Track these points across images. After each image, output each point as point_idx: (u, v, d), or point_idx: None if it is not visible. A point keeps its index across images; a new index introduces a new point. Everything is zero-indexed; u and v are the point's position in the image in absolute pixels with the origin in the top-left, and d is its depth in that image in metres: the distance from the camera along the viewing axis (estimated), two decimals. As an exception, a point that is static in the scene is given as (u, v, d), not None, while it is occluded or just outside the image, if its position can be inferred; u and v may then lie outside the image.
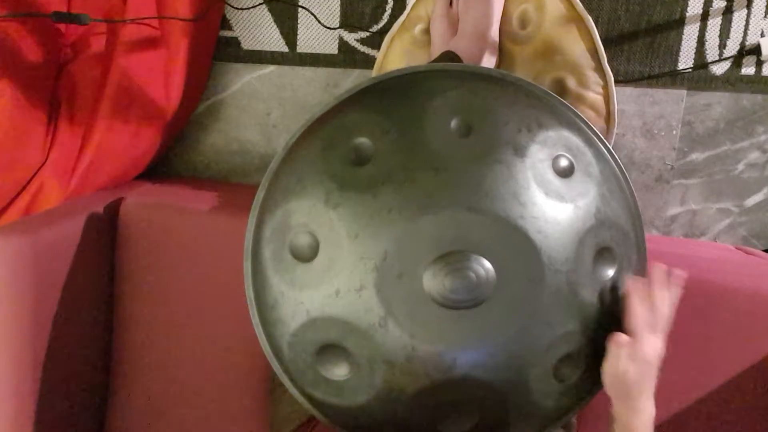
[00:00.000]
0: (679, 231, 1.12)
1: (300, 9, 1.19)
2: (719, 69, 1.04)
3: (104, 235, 1.03)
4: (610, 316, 0.63)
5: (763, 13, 1.01)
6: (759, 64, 1.02)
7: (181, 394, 1.04)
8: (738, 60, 1.03)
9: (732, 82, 1.04)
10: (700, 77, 1.05)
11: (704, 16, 1.03)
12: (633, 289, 0.62)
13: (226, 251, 0.98)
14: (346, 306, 0.59)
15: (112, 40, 1.05)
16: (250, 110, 1.28)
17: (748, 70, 1.03)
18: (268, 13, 1.21)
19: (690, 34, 1.04)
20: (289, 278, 0.62)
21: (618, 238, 0.64)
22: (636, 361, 0.60)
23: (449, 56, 0.90)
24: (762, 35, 1.02)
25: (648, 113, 1.08)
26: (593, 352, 0.64)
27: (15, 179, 1.02)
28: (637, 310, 0.61)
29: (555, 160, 0.62)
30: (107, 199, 1.05)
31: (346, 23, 1.18)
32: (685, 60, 1.05)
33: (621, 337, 0.61)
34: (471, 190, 0.58)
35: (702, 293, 0.84)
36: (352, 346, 0.60)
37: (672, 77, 1.06)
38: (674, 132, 1.08)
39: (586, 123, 0.67)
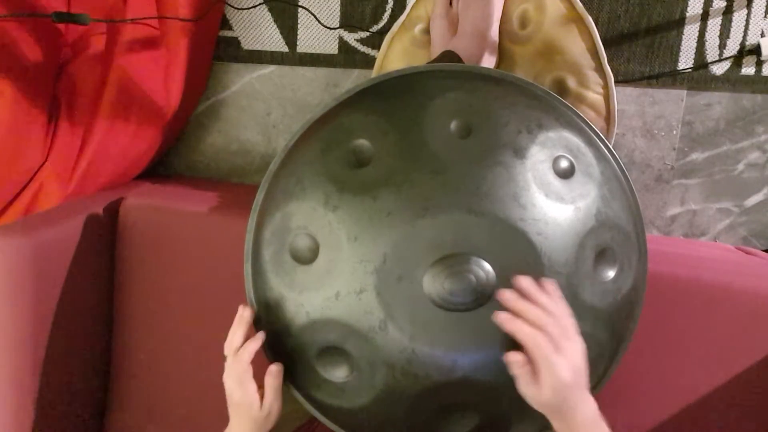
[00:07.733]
0: (679, 231, 1.12)
1: (300, 9, 1.19)
2: (719, 69, 1.04)
3: (104, 235, 1.03)
4: (611, 316, 0.63)
5: (763, 13, 1.01)
6: (759, 64, 1.02)
7: (181, 394, 1.04)
8: (738, 60, 1.03)
9: (732, 82, 1.04)
10: (700, 77, 1.05)
11: (704, 16, 1.03)
12: (505, 320, 0.54)
13: (225, 252, 0.97)
14: (346, 308, 0.59)
15: (112, 40, 1.06)
16: (250, 110, 1.28)
17: (748, 70, 1.03)
18: (268, 13, 1.21)
19: (690, 34, 1.04)
20: (289, 280, 0.62)
21: (619, 239, 0.64)
22: (549, 388, 0.53)
23: (449, 56, 0.90)
24: (762, 35, 1.01)
25: (648, 113, 1.08)
26: (594, 353, 0.64)
27: (15, 179, 1.02)
28: (527, 341, 0.53)
29: (555, 161, 0.62)
30: (107, 199, 1.05)
31: (346, 23, 1.18)
32: (685, 60, 1.05)
33: (516, 357, 0.54)
34: (471, 192, 0.58)
35: (702, 293, 0.84)
36: (352, 349, 0.60)
37: (672, 77, 1.05)
38: (674, 132, 1.08)
39: (586, 123, 0.67)
